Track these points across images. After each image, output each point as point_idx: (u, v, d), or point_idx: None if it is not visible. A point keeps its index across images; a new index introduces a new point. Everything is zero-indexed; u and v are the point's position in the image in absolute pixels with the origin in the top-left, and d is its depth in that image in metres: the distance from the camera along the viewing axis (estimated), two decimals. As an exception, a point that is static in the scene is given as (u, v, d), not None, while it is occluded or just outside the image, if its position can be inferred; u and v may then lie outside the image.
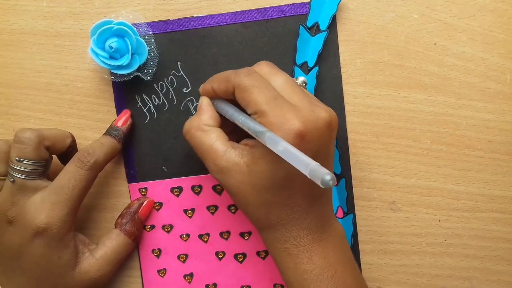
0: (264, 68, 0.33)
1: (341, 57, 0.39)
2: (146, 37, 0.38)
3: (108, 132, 0.38)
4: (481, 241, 0.39)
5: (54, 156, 0.38)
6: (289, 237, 0.32)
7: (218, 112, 0.34)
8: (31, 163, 0.34)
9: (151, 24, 0.39)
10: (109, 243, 0.37)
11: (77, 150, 0.38)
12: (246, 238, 0.40)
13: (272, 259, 0.34)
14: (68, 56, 0.39)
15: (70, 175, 0.35)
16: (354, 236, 0.39)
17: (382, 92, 0.39)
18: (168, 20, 0.39)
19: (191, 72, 0.39)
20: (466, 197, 0.39)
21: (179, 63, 0.39)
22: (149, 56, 0.38)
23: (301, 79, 0.37)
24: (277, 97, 0.31)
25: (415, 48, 0.38)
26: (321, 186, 0.24)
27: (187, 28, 0.39)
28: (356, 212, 0.40)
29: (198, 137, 0.33)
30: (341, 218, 0.39)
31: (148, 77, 0.38)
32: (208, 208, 0.40)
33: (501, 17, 0.38)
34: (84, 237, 0.37)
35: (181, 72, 0.39)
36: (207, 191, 0.40)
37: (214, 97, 0.34)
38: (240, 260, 0.40)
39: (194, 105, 0.39)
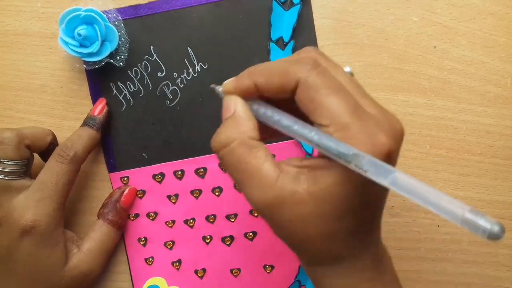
0: (322, 60, 0.26)
1: (339, 60, 0.38)
2: (116, 23, 0.37)
3: (85, 123, 0.37)
4: (480, 247, 0.39)
5: (36, 155, 0.37)
6: (353, 271, 0.26)
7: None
8: (13, 163, 0.34)
9: (121, 10, 0.38)
10: (93, 235, 0.37)
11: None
12: (233, 220, 0.39)
13: None
14: (63, 58, 0.39)
15: (51, 171, 0.35)
16: None
17: (380, 96, 0.38)
18: (138, 4, 0.38)
19: (165, 55, 0.39)
20: (465, 202, 0.38)
21: (151, 47, 0.38)
22: (120, 42, 0.38)
23: (347, 69, 0.28)
24: (359, 106, 0.24)
25: (415, 51, 0.38)
26: (485, 239, 0.18)
27: (158, 12, 0.38)
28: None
29: (241, 154, 0.25)
30: None
31: (121, 63, 0.38)
32: (191, 192, 0.39)
33: (501, 21, 0.37)
34: (72, 233, 0.37)
35: (155, 57, 0.38)
36: (190, 175, 0.39)
37: (251, 96, 0.27)
38: (227, 243, 0.39)
39: (170, 89, 0.39)
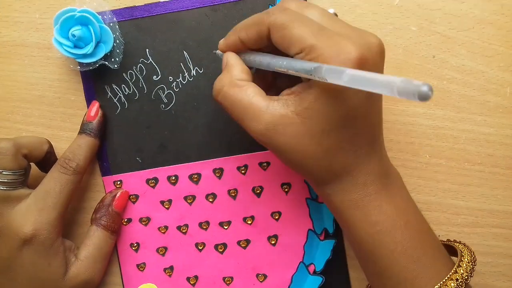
0: (292, 4, 0.30)
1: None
2: (111, 24, 0.37)
3: (82, 130, 0.37)
4: (481, 257, 0.38)
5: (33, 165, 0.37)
6: (356, 186, 0.29)
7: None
8: (11, 173, 0.33)
9: (117, 11, 0.38)
10: (89, 242, 0.37)
11: (55, 156, 0.38)
12: (226, 227, 0.39)
13: (335, 216, 0.32)
14: (60, 68, 0.39)
15: (55, 181, 0.35)
16: (329, 262, 0.38)
17: (380, 105, 0.38)
18: (135, 6, 0.38)
19: (161, 59, 0.38)
20: (466, 212, 0.38)
21: (147, 50, 0.38)
22: (115, 44, 0.37)
23: (331, 11, 0.34)
24: (323, 28, 0.27)
25: (414, 61, 0.38)
26: (418, 100, 0.20)
27: (154, 14, 0.38)
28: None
29: (233, 94, 0.29)
30: (322, 240, 0.38)
31: (115, 66, 0.38)
32: (185, 198, 0.39)
33: (500, 30, 0.37)
34: (70, 242, 0.37)
35: (150, 59, 0.38)
36: (184, 180, 0.39)
37: (241, 49, 0.31)
38: (220, 250, 0.39)
39: (166, 93, 0.38)
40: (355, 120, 0.28)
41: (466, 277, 0.29)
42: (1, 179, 0.33)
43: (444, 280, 0.29)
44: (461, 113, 0.38)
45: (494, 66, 0.38)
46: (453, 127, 0.38)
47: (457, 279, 0.29)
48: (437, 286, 0.29)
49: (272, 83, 0.34)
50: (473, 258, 0.31)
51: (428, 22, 0.37)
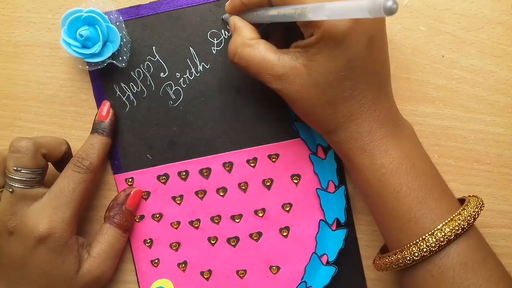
0: None
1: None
2: (117, 23, 0.38)
3: (94, 130, 0.38)
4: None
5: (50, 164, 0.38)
6: (361, 133, 0.31)
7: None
8: (29, 171, 0.34)
9: (123, 11, 0.38)
10: (101, 239, 0.37)
11: (72, 157, 0.38)
12: (237, 221, 0.39)
13: (344, 162, 0.34)
14: (72, 68, 0.39)
15: (69, 179, 0.35)
16: (341, 251, 0.38)
17: (388, 105, 0.38)
18: (140, 5, 0.39)
19: (167, 56, 0.39)
20: (474, 212, 0.38)
21: (154, 47, 0.39)
22: (122, 43, 0.38)
23: None
24: None
25: (422, 60, 0.38)
26: (385, 15, 0.22)
27: (159, 12, 0.39)
28: (360, 227, 0.39)
29: (247, 54, 0.32)
30: (334, 230, 0.38)
31: (123, 64, 0.38)
32: (196, 193, 0.40)
33: (510, 30, 0.37)
34: (83, 239, 0.37)
35: (157, 57, 0.39)
36: (194, 176, 0.39)
37: (244, 11, 0.34)
38: (233, 244, 0.40)
39: (173, 89, 0.39)
40: (356, 69, 0.30)
41: (469, 219, 0.30)
42: (20, 177, 0.34)
43: (447, 221, 0.30)
44: (470, 113, 0.38)
45: (504, 66, 0.37)
46: (462, 127, 0.38)
47: (459, 219, 0.30)
48: (440, 225, 0.30)
49: (283, 38, 0.35)
50: (479, 204, 0.32)
51: (437, 22, 0.37)
